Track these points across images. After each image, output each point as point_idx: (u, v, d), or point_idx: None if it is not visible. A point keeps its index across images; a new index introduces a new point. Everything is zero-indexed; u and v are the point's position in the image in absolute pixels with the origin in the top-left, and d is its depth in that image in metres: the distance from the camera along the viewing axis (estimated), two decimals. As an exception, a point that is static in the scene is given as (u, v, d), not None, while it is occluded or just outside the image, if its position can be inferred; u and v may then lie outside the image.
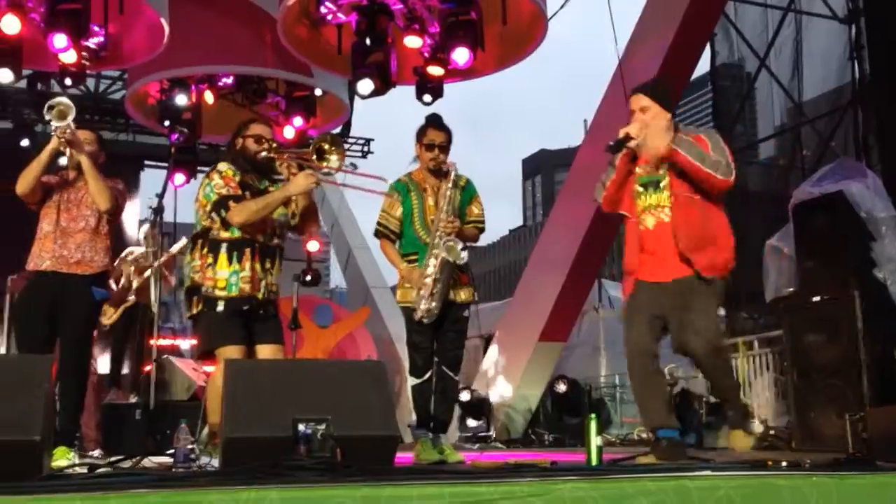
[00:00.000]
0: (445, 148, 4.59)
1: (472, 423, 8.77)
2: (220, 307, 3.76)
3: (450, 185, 4.52)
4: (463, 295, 4.58)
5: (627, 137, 3.77)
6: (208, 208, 3.82)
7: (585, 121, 10.67)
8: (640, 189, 3.90)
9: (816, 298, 5.60)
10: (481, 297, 6.39)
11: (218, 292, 3.74)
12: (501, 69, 7.43)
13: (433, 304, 4.38)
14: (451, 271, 4.44)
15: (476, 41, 6.47)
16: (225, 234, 3.82)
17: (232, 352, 3.71)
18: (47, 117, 4.06)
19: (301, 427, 2.70)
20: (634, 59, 8.33)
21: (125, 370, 6.88)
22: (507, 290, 10.96)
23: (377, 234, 4.69)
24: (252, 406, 2.74)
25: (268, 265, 3.88)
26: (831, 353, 5.43)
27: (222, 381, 2.89)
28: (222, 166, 3.89)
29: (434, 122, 4.64)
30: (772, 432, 6.25)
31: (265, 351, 3.84)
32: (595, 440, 3.22)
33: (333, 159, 3.89)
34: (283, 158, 3.95)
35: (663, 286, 3.83)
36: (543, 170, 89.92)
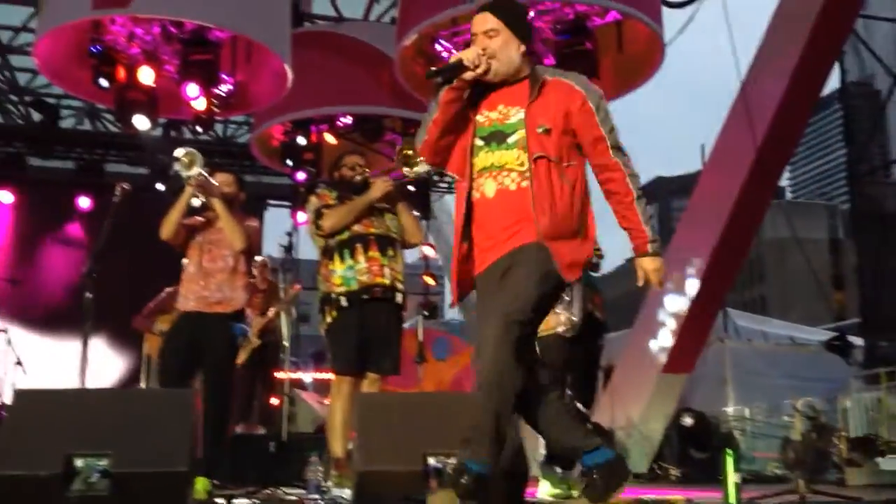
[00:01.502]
0: None
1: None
2: (344, 303, 4.00)
3: None
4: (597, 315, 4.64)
5: (460, 65, 2.75)
6: (312, 224, 4.19)
7: (703, 146, 10.40)
8: (480, 143, 2.84)
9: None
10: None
11: (336, 289, 3.99)
12: (617, 98, 7.35)
13: (572, 313, 4.39)
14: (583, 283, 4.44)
15: (592, 72, 6.42)
16: (335, 239, 4.15)
17: (344, 382, 3.93)
18: (176, 167, 4.28)
19: (431, 460, 2.71)
20: (758, 80, 8.08)
21: (254, 402, 7.12)
22: (625, 320, 10.72)
23: None
24: (383, 439, 2.77)
25: (390, 252, 4.15)
26: None
27: (354, 414, 2.95)
28: (318, 189, 4.15)
29: None
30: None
31: (369, 381, 4.01)
32: (733, 477, 3.09)
33: (420, 164, 4.04)
34: (375, 176, 4.26)
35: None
36: (660, 197, 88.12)
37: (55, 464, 2.50)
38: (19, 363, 8.71)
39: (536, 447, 4.35)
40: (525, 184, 2.71)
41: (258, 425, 7.03)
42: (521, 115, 2.76)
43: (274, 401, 6.61)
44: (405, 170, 4.08)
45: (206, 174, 4.34)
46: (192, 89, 6.63)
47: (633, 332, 9.71)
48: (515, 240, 2.71)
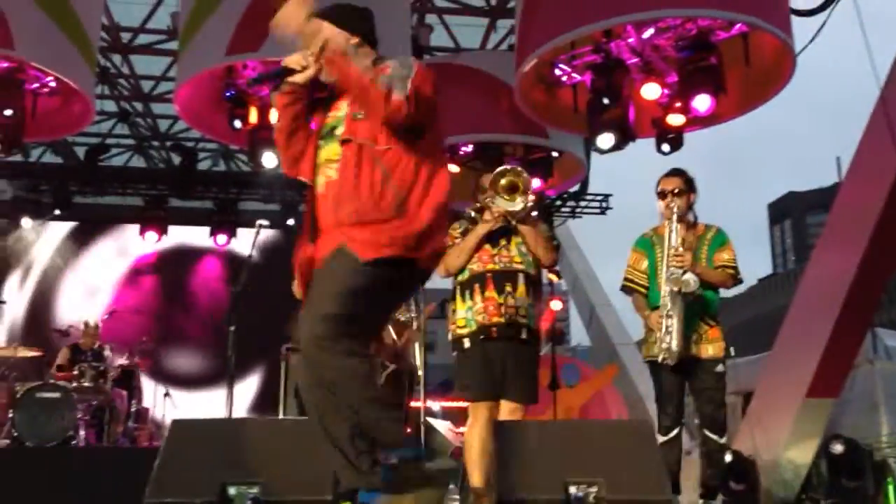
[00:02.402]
0: (679, 194, 4.48)
1: (735, 486, 8.22)
2: (467, 344, 4.03)
3: (674, 222, 4.39)
4: (711, 350, 4.38)
5: (287, 69, 2.79)
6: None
7: (838, 158, 9.93)
8: (320, 143, 2.86)
9: None
10: (740, 350, 6.06)
11: (459, 331, 4.00)
12: (745, 113, 7.11)
13: (671, 342, 4.21)
14: (684, 307, 4.25)
15: (718, 87, 6.25)
16: (457, 279, 4.16)
17: (480, 408, 3.91)
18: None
19: (572, 489, 2.67)
20: (898, 87, 7.64)
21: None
22: (761, 342, 10.27)
23: (624, 289, 4.68)
24: (523, 467, 2.75)
25: (508, 288, 4.07)
26: None
27: (492, 442, 2.94)
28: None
29: (668, 172, 4.61)
30: None
31: (506, 409, 3.97)
32: (898, 508, 2.89)
33: (518, 199, 3.98)
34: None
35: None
36: (793, 214, 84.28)
37: (210, 492, 2.61)
38: (168, 395, 9.20)
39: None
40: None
41: (391, 454, 7.10)
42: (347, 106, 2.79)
43: (409, 430, 6.66)
44: (498, 205, 4.03)
45: None
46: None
47: (773, 355, 9.27)
48: (337, 234, 2.69)
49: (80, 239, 11.91)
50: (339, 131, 2.78)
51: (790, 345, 8.81)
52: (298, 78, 2.79)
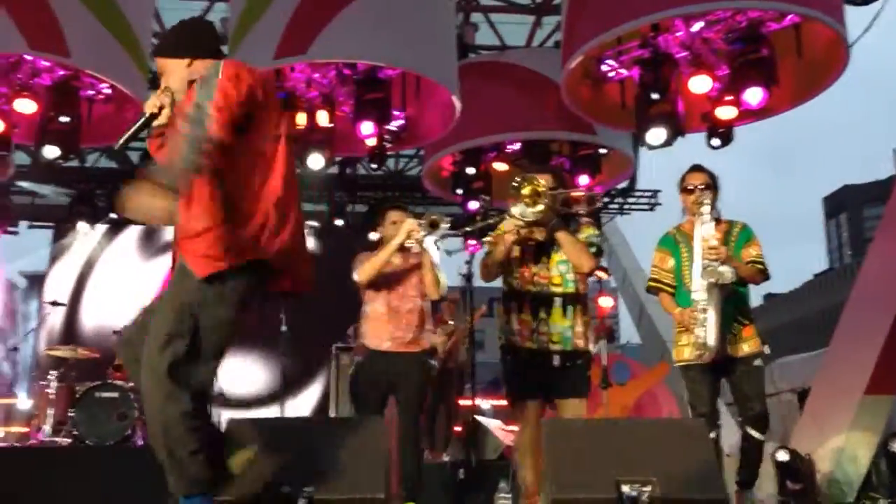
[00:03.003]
0: (706, 190, 4.43)
1: (792, 485, 8.06)
2: (508, 357, 4.04)
3: (705, 215, 4.32)
4: (746, 348, 4.33)
5: (148, 117, 2.85)
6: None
7: (895, 150, 9.64)
8: None
9: None
10: (785, 349, 5.94)
11: (500, 340, 4.00)
12: (798, 105, 6.96)
13: (706, 336, 4.13)
14: (721, 300, 4.18)
15: (770, 79, 6.14)
16: (504, 288, 4.13)
17: (526, 408, 3.93)
18: (420, 229, 4.47)
19: (625, 489, 2.64)
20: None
21: (435, 429, 7.24)
22: (818, 339, 10.05)
23: (650, 289, 4.67)
24: (574, 467, 2.73)
25: (542, 315, 4.00)
26: None
27: (543, 441, 2.92)
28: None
29: (691, 168, 4.58)
30: None
31: (571, 406, 3.93)
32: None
33: (540, 203, 3.93)
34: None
35: None
36: (849, 207, 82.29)
37: (266, 490, 2.64)
38: (222, 395, 9.34)
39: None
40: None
41: (442, 452, 7.12)
42: None
43: (458, 428, 6.69)
44: (526, 215, 3.98)
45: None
46: (366, 127, 6.93)
47: (830, 351, 9.07)
48: (179, 249, 2.71)
49: (136, 242, 12.16)
50: None
51: (848, 341, 8.61)
52: (162, 119, 2.85)
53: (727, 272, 4.15)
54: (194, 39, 2.94)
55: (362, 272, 4.50)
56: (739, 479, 4.39)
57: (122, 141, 2.94)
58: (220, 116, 2.57)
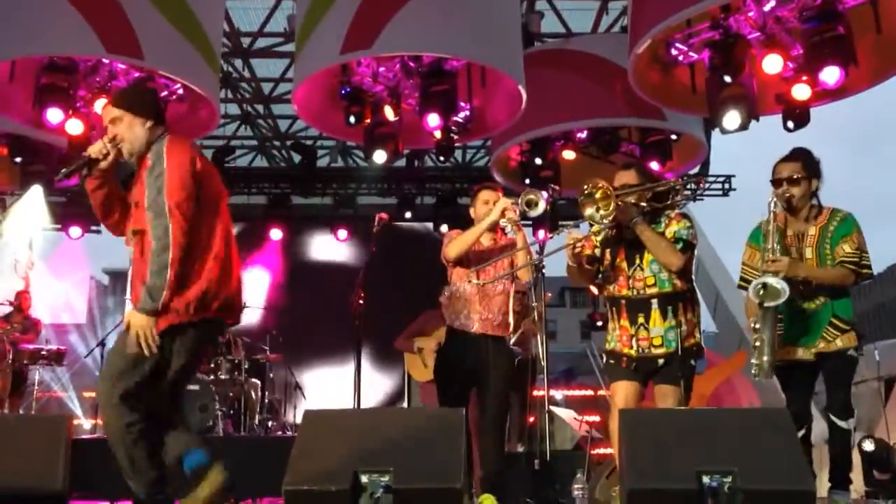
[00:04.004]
0: (796, 182, 4.11)
1: (879, 475, 7.80)
2: (611, 361, 4.05)
3: (772, 215, 4.02)
4: (840, 343, 4.03)
5: (91, 160, 3.20)
6: None
7: None
8: (128, 213, 3.37)
9: None
10: (870, 335, 5.70)
11: (606, 345, 3.95)
12: (877, 83, 6.69)
13: (763, 359, 3.89)
14: (775, 320, 3.91)
15: (847, 57, 5.92)
16: (606, 291, 4.11)
17: (619, 388, 3.94)
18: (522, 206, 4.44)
19: (706, 479, 2.60)
20: None
21: (510, 420, 7.21)
22: (904, 325, 9.68)
23: (740, 287, 4.43)
24: (653, 457, 2.70)
25: (640, 320, 3.93)
26: None
27: (620, 431, 2.90)
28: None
29: (785, 155, 4.24)
30: None
31: (661, 394, 3.89)
32: None
33: (612, 204, 3.86)
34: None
35: None
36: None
37: (345, 480, 2.69)
38: (298, 387, 9.52)
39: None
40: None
41: (517, 443, 7.11)
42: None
43: (532, 419, 6.66)
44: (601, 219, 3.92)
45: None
46: (432, 119, 6.94)
47: (916, 337, 8.76)
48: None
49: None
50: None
51: (935, 326, 8.29)
52: (103, 164, 3.20)
53: (777, 288, 3.81)
54: (153, 105, 3.36)
55: (452, 247, 4.47)
56: (831, 479, 4.12)
57: (61, 175, 3.26)
58: (184, 206, 3.02)
